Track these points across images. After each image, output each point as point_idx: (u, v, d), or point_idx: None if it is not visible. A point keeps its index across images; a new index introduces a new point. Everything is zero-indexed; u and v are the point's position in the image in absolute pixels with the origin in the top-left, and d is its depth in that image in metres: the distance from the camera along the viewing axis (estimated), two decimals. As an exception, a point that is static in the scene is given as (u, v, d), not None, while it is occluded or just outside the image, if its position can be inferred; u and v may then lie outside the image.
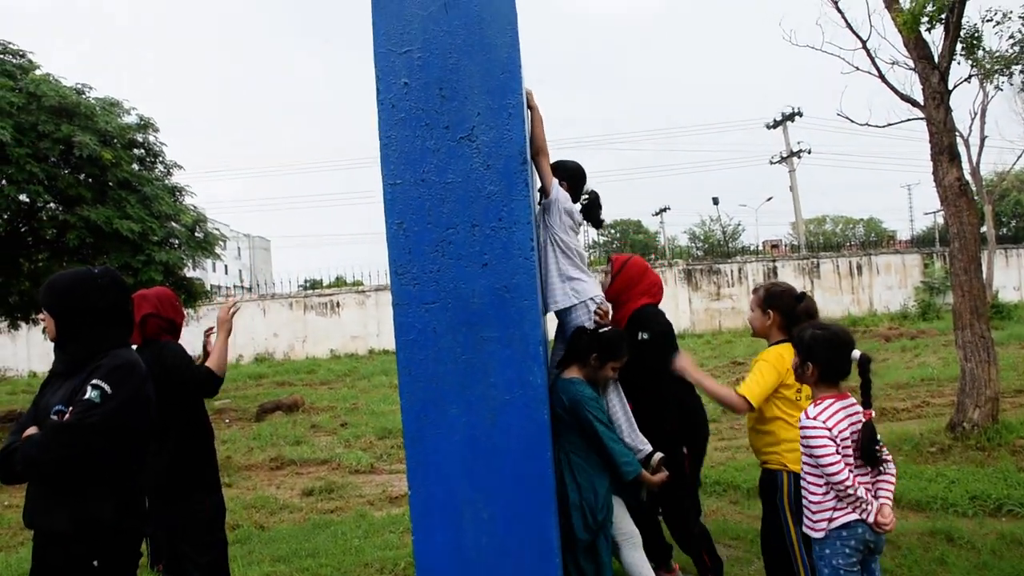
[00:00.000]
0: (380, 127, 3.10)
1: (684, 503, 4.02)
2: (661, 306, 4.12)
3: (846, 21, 8.22)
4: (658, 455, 3.65)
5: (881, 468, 2.89)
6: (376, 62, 3.13)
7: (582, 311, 3.65)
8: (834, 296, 27.10)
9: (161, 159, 14.59)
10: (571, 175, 3.93)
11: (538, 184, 3.76)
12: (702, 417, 4.13)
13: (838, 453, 2.79)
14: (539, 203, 3.74)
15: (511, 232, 3.02)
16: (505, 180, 3.04)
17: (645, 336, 3.88)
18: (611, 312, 3.91)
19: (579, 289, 3.65)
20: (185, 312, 3.92)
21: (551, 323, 3.90)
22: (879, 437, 2.87)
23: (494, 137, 3.05)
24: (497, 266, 3.02)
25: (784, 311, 3.57)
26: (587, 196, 4.03)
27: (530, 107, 3.64)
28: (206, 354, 4.00)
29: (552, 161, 3.77)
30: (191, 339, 5.94)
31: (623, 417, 3.70)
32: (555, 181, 3.68)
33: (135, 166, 13.71)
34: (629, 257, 4.17)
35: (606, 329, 3.61)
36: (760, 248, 34.97)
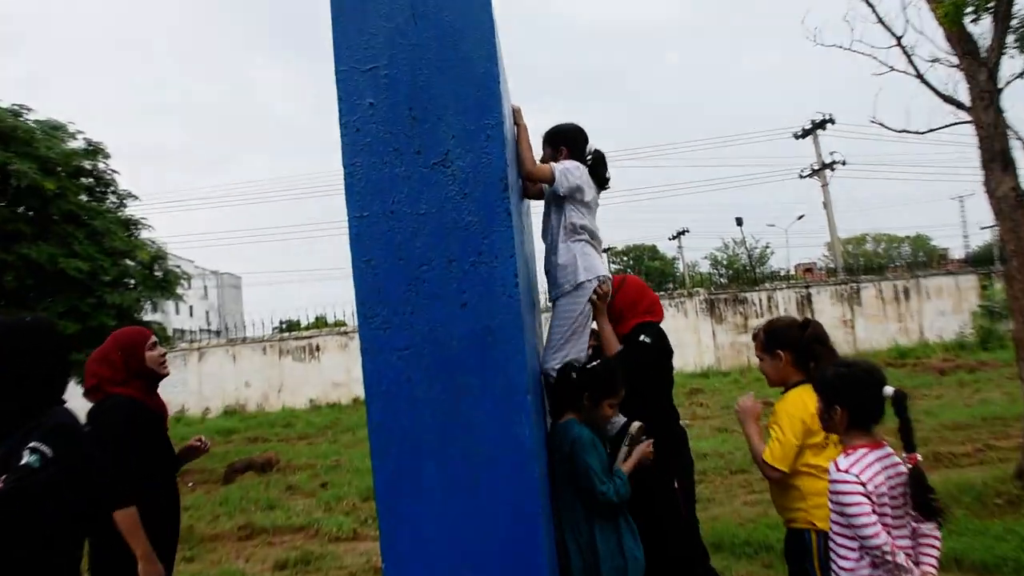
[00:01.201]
0: (344, 153, 3.13)
1: (689, 551, 4.02)
2: (677, 337, 4.22)
3: (877, 16, 8.22)
4: (636, 423, 3.72)
5: (923, 529, 2.84)
6: (338, 81, 3.18)
7: (580, 293, 3.82)
8: (878, 325, 27.05)
9: (113, 188, 14.57)
10: (569, 138, 4.09)
11: (524, 205, 3.85)
12: (685, 445, 4.21)
13: (874, 512, 2.74)
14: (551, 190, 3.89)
15: (492, 267, 3.04)
16: (485, 210, 3.06)
17: (647, 340, 4.00)
18: (610, 292, 4.02)
19: (588, 266, 3.85)
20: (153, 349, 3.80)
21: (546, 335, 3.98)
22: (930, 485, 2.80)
23: (471, 162, 3.08)
24: (477, 306, 3.03)
25: (793, 346, 3.58)
26: (590, 155, 4.15)
27: (517, 126, 3.70)
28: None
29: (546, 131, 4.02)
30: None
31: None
32: (553, 165, 3.81)
33: (83, 197, 13.71)
34: (624, 277, 4.29)
35: (595, 363, 3.65)
36: (791, 273, 34.98)
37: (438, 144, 3.10)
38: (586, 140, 4.15)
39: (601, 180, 4.13)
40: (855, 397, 2.90)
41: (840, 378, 2.94)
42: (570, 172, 3.84)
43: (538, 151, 4.03)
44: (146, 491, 3.49)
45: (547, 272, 4.01)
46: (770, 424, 3.55)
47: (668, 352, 4.13)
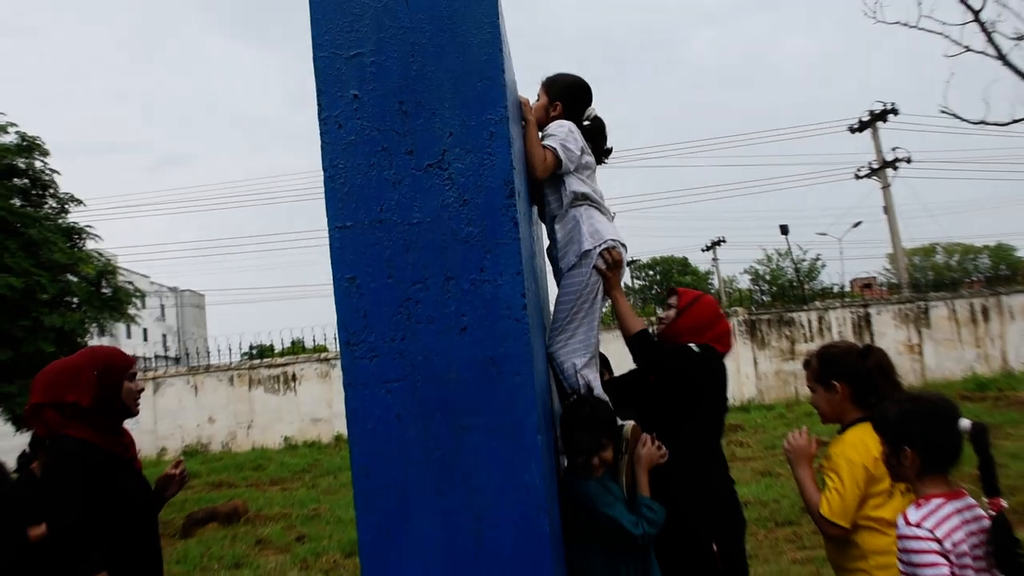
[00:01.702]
0: (324, 153, 3.15)
1: None
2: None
3: None
4: (629, 423, 3.73)
5: None
6: (316, 69, 3.20)
7: (587, 263, 3.83)
8: (951, 351, 26.96)
9: (52, 191, 14.62)
10: (571, 94, 4.12)
11: (533, 213, 3.86)
12: (734, 501, 4.09)
13: (952, 574, 2.68)
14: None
15: (496, 286, 3.05)
16: (487, 219, 3.08)
17: (696, 348, 3.99)
18: (623, 260, 4.01)
19: (593, 231, 3.86)
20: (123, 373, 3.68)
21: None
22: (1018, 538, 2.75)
23: (472, 164, 3.10)
24: (479, 331, 3.04)
25: (851, 377, 3.57)
26: (588, 120, 4.17)
27: (524, 121, 3.72)
28: None
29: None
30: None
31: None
32: (553, 146, 3.81)
33: (15, 201, 13.75)
34: (701, 295, 4.30)
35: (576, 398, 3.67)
36: (847, 289, 34.89)
37: (433, 143, 3.12)
38: (589, 101, 4.18)
39: (600, 151, 4.17)
40: (927, 436, 2.85)
41: (907, 415, 2.91)
42: (569, 144, 3.85)
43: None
44: (120, 549, 3.48)
45: (550, 257, 4.05)
46: (825, 469, 3.53)
47: (719, 376, 4.09)
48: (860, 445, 3.40)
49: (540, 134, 3.90)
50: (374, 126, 3.15)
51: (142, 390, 3.76)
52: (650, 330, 4.12)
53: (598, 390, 3.77)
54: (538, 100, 4.09)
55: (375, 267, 3.09)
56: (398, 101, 3.16)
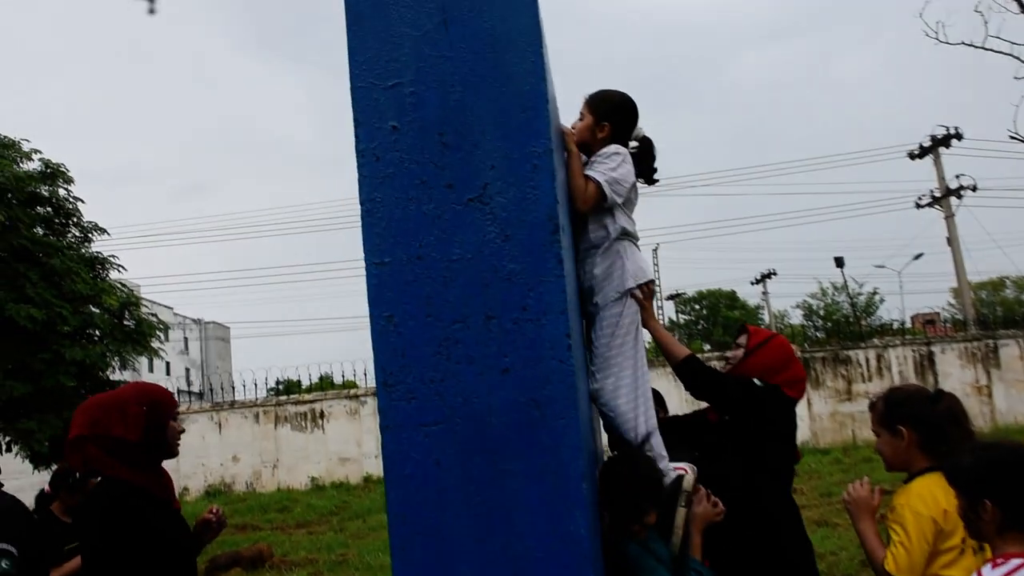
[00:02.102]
0: (361, 187, 3.20)
1: None
2: None
3: (1021, 3, 8.04)
4: (688, 475, 3.64)
5: None
6: (354, 100, 3.26)
7: (628, 300, 3.80)
8: (1023, 393, 26.54)
9: (75, 220, 14.88)
10: (620, 113, 4.04)
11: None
12: (810, 563, 4.04)
13: None
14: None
15: (540, 326, 3.07)
16: (531, 255, 3.11)
17: (760, 384, 3.95)
18: (654, 293, 4.01)
19: (636, 271, 3.84)
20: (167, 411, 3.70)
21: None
22: None
23: (514, 197, 3.14)
24: (522, 372, 3.06)
25: (920, 423, 3.52)
26: (636, 141, 4.14)
27: (567, 151, 3.74)
28: None
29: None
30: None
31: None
32: (598, 179, 3.77)
33: (38, 230, 13.98)
34: (773, 335, 4.27)
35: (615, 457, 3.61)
36: (908, 326, 34.49)
37: (474, 176, 3.17)
38: (636, 119, 4.11)
39: (648, 174, 4.15)
40: (1009, 490, 2.76)
41: (987, 466, 2.84)
42: (619, 177, 3.82)
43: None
44: None
45: (581, 287, 4.01)
46: (889, 522, 3.48)
47: (789, 418, 4.06)
48: (928, 496, 3.35)
49: (589, 160, 3.89)
50: (413, 158, 3.19)
51: (183, 431, 3.80)
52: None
53: (653, 433, 3.69)
54: (581, 120, 4.02)
55: (414, 305, 3.13)
56: (438, 133, 3.20)
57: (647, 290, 3.85)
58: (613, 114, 4.01)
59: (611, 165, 3.82)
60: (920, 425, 3.50)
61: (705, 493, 3.68)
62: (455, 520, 3.02)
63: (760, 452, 3.93)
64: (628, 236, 3.89)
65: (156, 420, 3.59)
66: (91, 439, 3.49)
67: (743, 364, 4.12)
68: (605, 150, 3.89)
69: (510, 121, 3.18)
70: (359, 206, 3.19)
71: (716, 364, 4.45)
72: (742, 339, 4.24)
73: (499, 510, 3.01)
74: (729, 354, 4.29)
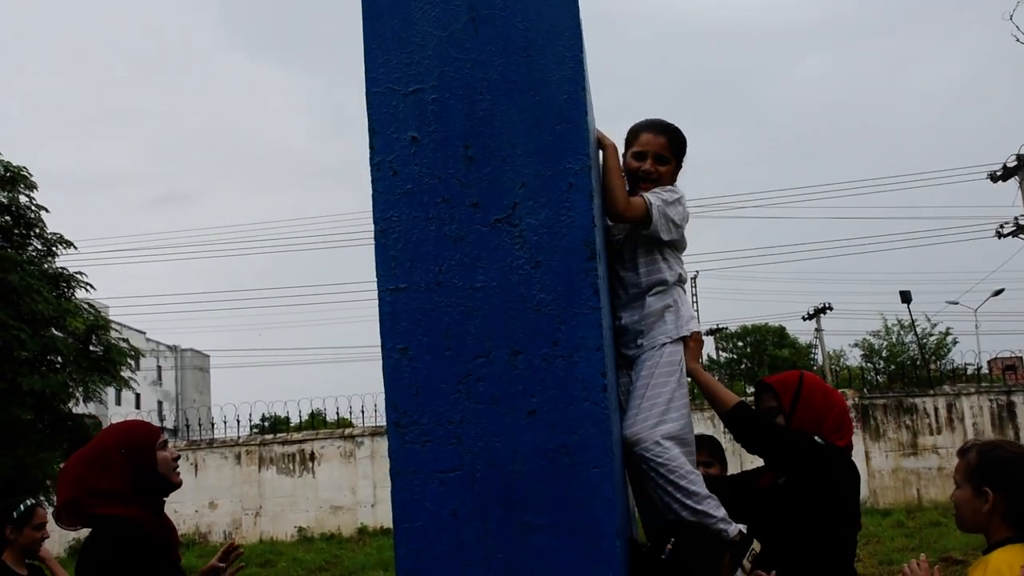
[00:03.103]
0: (375, 204, 3.26)
1: None
2: None
3: None
4: (756, 544, 3.70)
5: None
6: (369, 106, 3.33)
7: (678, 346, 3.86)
8: (1115, 450, 26.24)
9: (38, 231, 14.86)
10: (678, 140, 4.12)
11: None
12: None
13: None
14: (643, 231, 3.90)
15: (572, 363, 3.11)
16: (563, 284, 3.15)
17: (820, 441, 3.93)
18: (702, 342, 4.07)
19: (689, 317, 3.96)
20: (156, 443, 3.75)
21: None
22: None
23: (546, 219, 3.18)
24: (550, 415, 3.09)
25: (1013, 492, 3.48)
26: None
27: (602, 146, 3.77)
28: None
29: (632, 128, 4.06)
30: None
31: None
32: (648, 198, 3.82)
33: (-7, 242, 13.98)
34: (798, 377, 4.20)
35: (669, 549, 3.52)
36: (984, 371, 34.25)
37: (502, 195, 3.22)
38: (687, 149, 4.22)
39: None
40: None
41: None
42: (671, 216, 3.88)
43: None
44: None
45: (620, 329, 4.04)
46: None
47: (854, 478, 4.06)
48: (1008, 573, 3.34)
49: (657, 197, 3.92)
50: (434, 174, 3.24)
51: (178, 457, 3.85)
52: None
53: (701, 488, 3.67)
54: (660, 162, 4.05)
55: (431, 337, 3.17)
56: (463, 145, 3.25)
57: (698, 340, 3.94)
58: (682, 153, 4.14)
59: (668, 198, 3.91)
60: (1012, 493, 3.44)
61: None
62: (473, 579, 3.05)
63: (821, 524, 3.91)
64: (681, 283, 3.99)
65: (140, 459, 3.65)
66: (82, 499, 3.56)
67: (790, 425, 4.06)
68: (665, 187, 3.99)
69: (544, 134, 3.23)
70: (372, 225, 3.22)
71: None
72: (770, 400, 4.18)
73: (522, 569, 3.03)
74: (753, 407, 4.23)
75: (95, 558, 3.44)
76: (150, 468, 3.67)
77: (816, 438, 3.94)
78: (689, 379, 3.99)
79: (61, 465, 14.85)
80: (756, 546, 3.70)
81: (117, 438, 3.71)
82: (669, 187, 3.99)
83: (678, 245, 3.99)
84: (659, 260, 3.92)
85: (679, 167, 4.12)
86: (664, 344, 3.84)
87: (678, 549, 3.39)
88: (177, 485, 3.79)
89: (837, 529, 3.97)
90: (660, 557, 3.44)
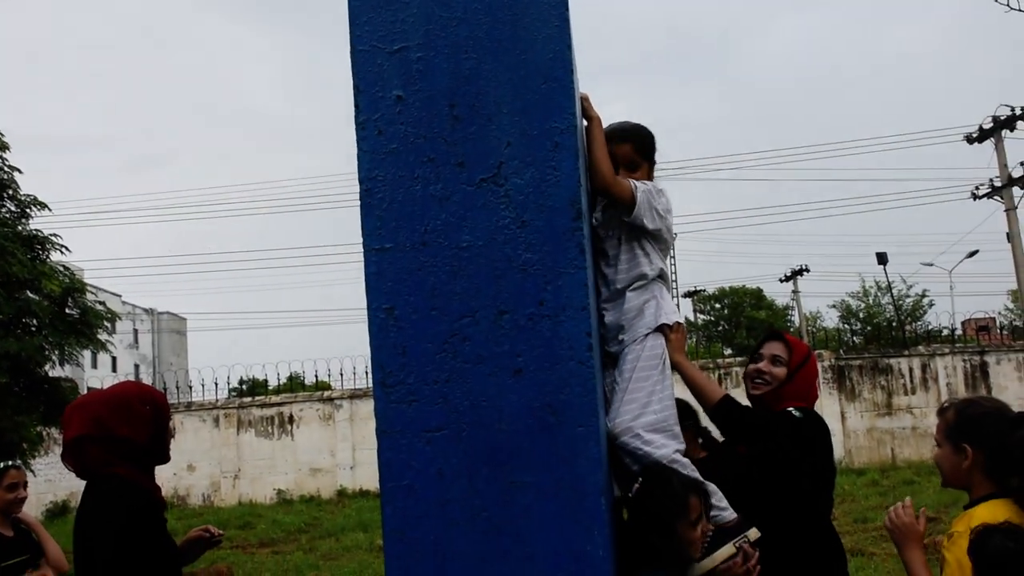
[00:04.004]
0: (360, 163, 3.25)
1: None
2: None
3: None
4: (753, 531, 3.69)
5: None
6: (354, 65, 3.31)
7: (659, 336, 3.85)
8: (1087, 411, 26.42)
9: (11, 193, 14.77)
10: (644, 142, 4.10)
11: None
12: None
13: None
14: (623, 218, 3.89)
15: (557, 322, 3.12)
16: (549, 244, 3.16)
17: (797, 413, 4.03)
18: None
19: (669, 310, 3.92)
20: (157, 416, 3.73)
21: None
22: None
23: (532, 179, 3.19)
24: (536, 374, 3.11)
25: (990, 446, 3.51)
26: None
27: (586, 118, 3.76)
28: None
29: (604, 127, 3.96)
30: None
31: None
32: (633, 182, 3.83)
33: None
34: (810, 349, 4.34)
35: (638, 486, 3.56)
36: (958, 332, 34.49)
37: (488, 154, 3.21)
38: (656, 147, 4.22)
39: None
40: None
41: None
42: (657, 201, 3.90)
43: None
44: None
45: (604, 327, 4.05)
46: (944, 549, 3.48)
47: (829, 447, 4.14)
48: None
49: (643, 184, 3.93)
50: (419, 133, 3.24)
51: (173, 436, 3.87)
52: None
53: (683, 462, 3.70)
54: (630, 166, 4.05)
55: (417, 297, 3.17)
56: (448, 104, 3.25)
57: (679, 331, 3.93)
58: (653, 152, 4.14)
59: (651, 189, 3.91)
60: (990, 449, 3.48)
61: (745, 554, 3.69)
62: (459, 538, 3.07)
63: (808, 493, 4.03)
64: (663, 279, 3.98)
65: (160, 422, 3.69)
66: (95, 440, 3.53)
67: (784, 388, 4.16)
68: (649, 182, 4.00)
69: (530, 93, 3.23)
70: (350, 187, 3.27)
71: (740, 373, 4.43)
72: (781, 352, 4.24)
73: (508, 527, 3.06)
74: (764, 368, 4.25)
75: (107, 524, 3.42)
76: (164, 434, 3.70)
77: (793, 411, 4.00)
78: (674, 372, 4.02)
79: (37, 428, 14.97)
80: (752, 533, 3.71)
81: (144, 394, 3.73)
82: (646, 182, 3.97)
83: (660, 237, 3.96)
84: (640, 256, 3.91)
85: (652, 164, 4.11)
86: (646, 335, 3.84)
87: (644, 488, 3.46)
88: (168, 460, 3.80)
89: (818, 496, 4.03)
90: (627, 496, 3.52)
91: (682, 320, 4.01)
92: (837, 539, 4.15)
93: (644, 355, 3.80)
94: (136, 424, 3.57)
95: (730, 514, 3.74)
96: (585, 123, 3.77)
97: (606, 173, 3.73)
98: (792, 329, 54.94)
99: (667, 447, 3.64)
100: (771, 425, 4.02)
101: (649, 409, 3.68)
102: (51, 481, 25.40)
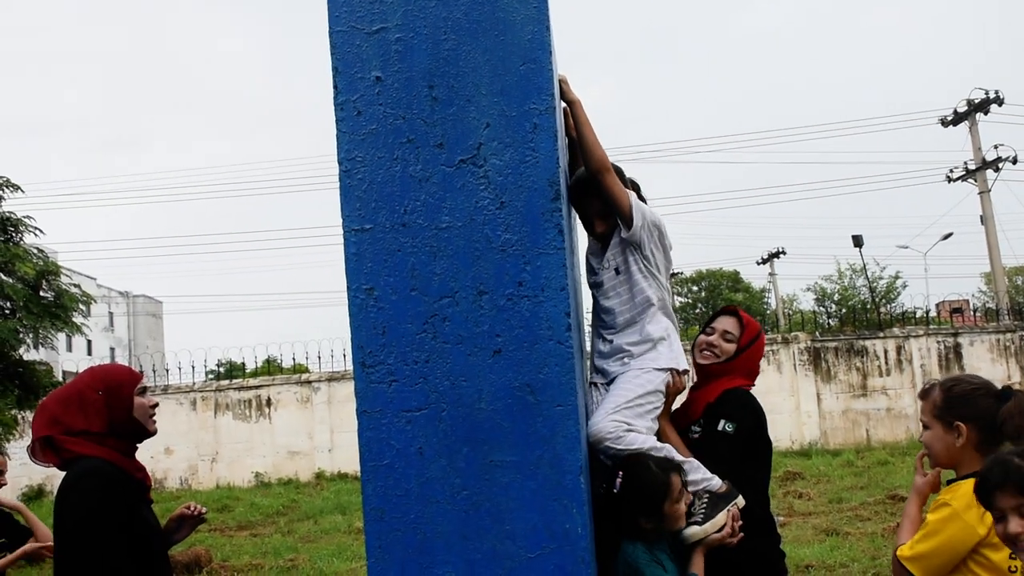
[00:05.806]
0: (339, 144, 3.26)
1: None
2: (766, 401, 4.27)
3: None
4: (740, 498, 3.80)
5: None
6: (332, 45, 3.32)
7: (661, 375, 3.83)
8: (1059, 391, 26.59)
9: (-18, 173, 14.72)
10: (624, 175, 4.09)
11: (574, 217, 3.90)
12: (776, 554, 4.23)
13: None
14: (620, 235, 3.85)
15: (537, 303, 3.15)
16: (528, 224, 3.18)
17: (729, 428, 4.06)
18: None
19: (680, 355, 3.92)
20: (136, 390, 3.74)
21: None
22: None
23: (511, 160, 3.20)
24: (515, 354, 3.14)
25: (981, 421, 3.51)
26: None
27: (566, 101, 3.76)
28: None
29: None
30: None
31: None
32: (633, 196, 3.81)
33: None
34: (760, 329, 4.38)
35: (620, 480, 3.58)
36: (932, 314, 34.71)
37: (467, 135, 3.23)
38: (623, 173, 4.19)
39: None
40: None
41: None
42: (650, 214, 3.89)
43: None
44: None
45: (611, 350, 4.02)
46: (934, 508, 3.48)
47: (763, 427, 4.22)
48: (973, 503, 3.38)
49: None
50: (399, 114, 3.25)
51: (156, 404, 3.85)
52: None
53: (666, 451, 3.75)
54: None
55: (397, 277, 3.19)
56: (427, 85, 3.26)
57: (680, 382, 3.92)
58: (636, 189, 4.11)
59: (645, 208, 3.89)
60: (981, 423, 3.51)
61: (717, 522, 3.74)
62: (439, 516, 3.10)
63: (757, 464, 4.16)
64: (666, 310, 3.97)
65: (117, 402, 3.65)
66: (52, 443, 3.57)
67: (732, 363, 4.22)
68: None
69: (508, 75, 3.24)
70: (328, 168, 3.24)
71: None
72: (733, 328, 4.29)
73: (488, 505, 3.09)
74: (714, 341, 4.28)
75: (80, 504, 3.43)
76: (126, 412, 3.67)
77: (724, 426, 4.06)
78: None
79: (12, 411, 14.93)
80: (740, 500, 3.78)
81: (96, 379, 3.70)
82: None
83: (654, 261, 3.92)
84: (640, 281, 3.87)
85: (639, 196, 4.04)
86: (653, 369, 3.82)
87: (627, 480, 3.49)
88: (152, 433, 3.79)
89: (767, 462, 4.23)
90: (612, 492, 3.54)
91: (685, 367, 3.99)
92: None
93: (644, 379, 3.80)
94: (89, 414, 3.59)
95: (718, 482, 3.80)
96: (565, 106, 3.78)
97: (600, 155, 3.68)
98: (769, 312, 55.20)
99: (639, 437, 3.66)
100: (737, 444, 4.08)
101: (628, 412, 3.68)
102: (26, 464, 25.27)
